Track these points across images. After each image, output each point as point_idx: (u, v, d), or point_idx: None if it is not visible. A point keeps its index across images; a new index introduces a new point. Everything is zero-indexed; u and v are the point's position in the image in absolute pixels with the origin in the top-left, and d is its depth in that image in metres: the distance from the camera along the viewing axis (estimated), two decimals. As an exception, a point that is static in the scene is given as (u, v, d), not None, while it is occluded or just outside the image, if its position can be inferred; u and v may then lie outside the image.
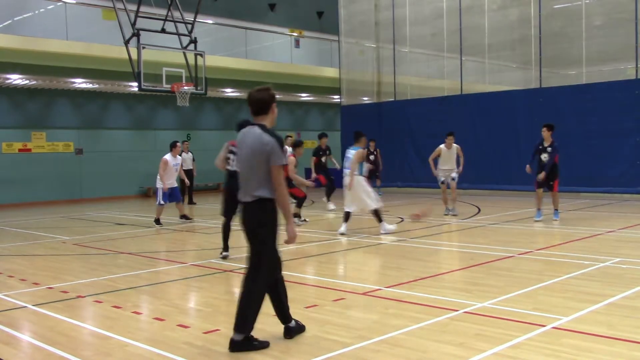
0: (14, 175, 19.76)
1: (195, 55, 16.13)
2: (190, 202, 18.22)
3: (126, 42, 15.16)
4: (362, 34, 23.12)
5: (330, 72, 24.32)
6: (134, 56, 14.91)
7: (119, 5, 15.26)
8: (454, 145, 13.31)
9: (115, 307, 6.22)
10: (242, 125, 8.76)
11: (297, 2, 27.57)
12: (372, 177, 19.82)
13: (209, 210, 16.33)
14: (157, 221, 13.01)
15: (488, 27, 19.51)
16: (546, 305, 5.77)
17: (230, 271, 7.92)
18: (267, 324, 5.39)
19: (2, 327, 5.58)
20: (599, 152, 16.60)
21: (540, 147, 11.93)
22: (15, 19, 18.33)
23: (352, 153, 11.08)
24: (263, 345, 4.76)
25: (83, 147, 21.46)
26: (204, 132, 24.33)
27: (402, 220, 13.01)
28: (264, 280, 4.80)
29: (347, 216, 11.13)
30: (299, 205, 12.63)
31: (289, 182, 12.94)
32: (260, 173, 4.70)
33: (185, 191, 17.48)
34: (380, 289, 6.64)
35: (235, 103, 25.07)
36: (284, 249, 9.85)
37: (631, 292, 6.21)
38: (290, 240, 4.83)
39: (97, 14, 18.83)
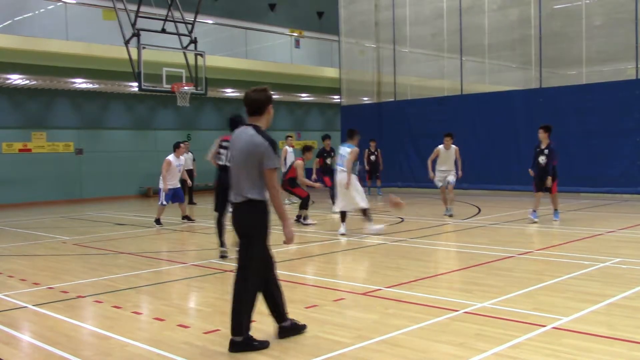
0: (14, 175, 19.76)
1: (196, 55, 16.13)
2: (191, 202, 18.22)
3: (126, 42, 15.16)
4: (362, 34, 23.12)
5: (330, 72, 24.33)
6: (134, 56, 14.90)
7: (119, 5, 15.25)
8: (453, 146, 13.24)
9: (115, 307, 6.22)
10: (233, 120, 8.85)
11: (297, 2, 27.58)
12: (372, 177, 19.88)
13: (209, 210, 16.31)
14: (158, 221, 13.02)
15: (488, 27, 19.51)
16: (546, 305, 5.77)
17: (230, 271, 7.91)
18: (267, 324, 5.39)
19: (2, 327, 5.58)
20: (599, 152, 16.60)
21: (538, 149, 11.80)
22: (15, 19, 18.33)
23: (346, 151, 11.05)
24: (263, 345, 4.76)
25: (83, 147, 21.46)
26: (204, 132, 24.32)
27: (402, 220, 13.02)
28: (254, 281, 4.77)
29: (343, 216, 11.12)
30: (305, 206, 12.60)
31: (293, 182, 12.94)
32: (252, 174, 4.68)
33: (186, 192, 17.48)
34: (380, 289, 6.64)
35: (235, 103, 25.06)
36: (284, 249, 9.86)
37: (631, 292, 6.21)
38: (289, 240, 4.82)
39: (97, 14, 18.82)
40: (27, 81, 19.13)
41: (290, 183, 13.01)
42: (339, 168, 11.11)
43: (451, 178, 13.19)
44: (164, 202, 13.09)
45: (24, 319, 5.99)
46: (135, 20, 15.00)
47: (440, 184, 13.38)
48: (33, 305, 6.36)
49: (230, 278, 7.56)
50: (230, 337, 4.75)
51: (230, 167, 4.90)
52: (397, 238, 10.58)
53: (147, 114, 23.33)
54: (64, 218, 15.63)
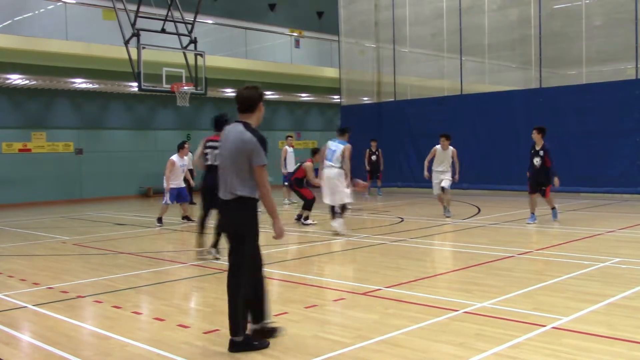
0: (14, 175, 19.76)
1: (195, 55, 16.13)
2: (191, 202, 18.21)
3: (126, 42, 15.16)
4: (362, 34, 23.13)
5: (330, 72, 24.33)
6: (134, 56, 14.90)
7: (119, 5, 15.25)
8: (450, 147, 13.15)
9: (115, 307, 6.22)
10: (217, 120, 8.89)
11: (297, 2, 27.57)
12: (373, 177, 19.88)
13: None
14: (159, 220, 13.04)
15: (488, 27, 19.51)
16: (546, 305, 5.77)
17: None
18: (267, 324, 5.40)
19: (2, 327, 5.58)
20: (599, 152, 16.61)
21: (532, 150, 11.71)
22: (15, 19, 18.33)
23: (338, 147, 11.00)
24: (263, 345, 4.76)
25: (83, 147, 21.46)
26: (204, 132, 24.26)
27: (402, 220, 13.02)
28: (247, 279, 4.75)
29: (334, 211, 11.12)
30: (309, 207, 12.59)
31: (300, 182, 12.95)
32: (241, 171, 4.66)
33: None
34: (380, 289, 6.64)
35: (235, 103, 25.03)
36: (285, 250, 9.85)
37: (631, 292, 6.21)
38: (278, 236, 4.80)
39: (97, 14, 18.82)
40: (27, 81, 19.13)
41: (297, 183, 13.02)
42: (328, 163, 11.02)
43: (445, 183, 13.06)
44: (168, 202, 13.11)
45: (24, 319, 5.99)
46: (135, 20, 15.00)
47: (436, 192, 13.30)
48: (33, 305, 6.36)
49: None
50: (229, 336, 4.75)
51: (220, 164, 4.87)
52: (397, 238, 10.58)
53: (147, 114, 23.33)
54: (64, 218, 15.63)
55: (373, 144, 19.66)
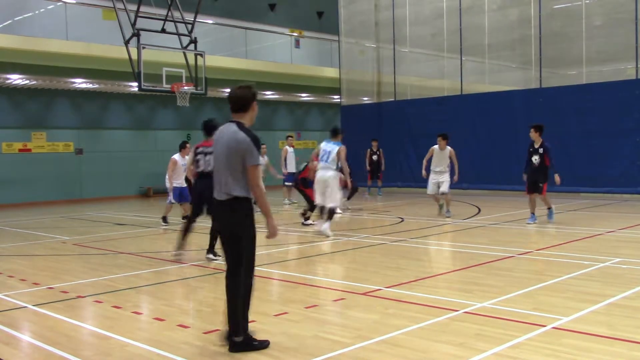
0: (14, 175, 19.76)
1: (195, 55, 16.13)
2: (191, 202, 18.21)
3: (126, 42, 15.16)
4: (362, 34, 23.12)
5: (330, 72, 24.33)
6: (134, 56, 14.90)
7: (119, 5, 15.26)
8: (448, 147, 13.11)
9: (115, 307, 6.22)
10: (207, 125, 8.95)
11: (297, 2, 27.58)
12: (373, 177, 19.89)
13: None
14: (164, 219, 13.07)
15: (488, 27, 19.51)
16: (546, 305, 5.77)
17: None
18: (267, 323, 5.40)
19: (2, 327, 5.58)
20: (599, 152, 16.61)
21: (531, 149, 11.63)
22: (15, 19, 18.33)
23: (334, 148, 10.98)
24: (263, 345, 4.75)
25: (83, 147, 21.46)
26: (204, 132, 24.32)
27: (402, 220, 13.02)
28: (246, 279, 4.74)
29: (322, 212, 11.15)
30: (312, 209, 12.59)
31: (306, 182, 12.96)
32: (236, 171, 4.64)
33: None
34: (380, 289, 6.64)
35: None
36: (285, 249, 9.86)
37: (631, 292, 6.21)
38: (272, 235, 4.79)
39: (97, 14, 18.83)
40: (27, 81, 19.13)
41: (303, 183, 13.05)
42: (322, 164, 10.98)
43: (444, 188, 13.05)
44: (172, 201, 13.14)
45: (24, 319, 5.99)
46: (135, 20, 15.00)
47: (430, 191, 13.27)
48: (33, 305, 6.36)
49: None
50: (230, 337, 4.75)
51: (214, 165, 4.86)
52: (397, 238, 10.58)
53: (147, 114, 23.33)
54: (64, 218, 15.63)
55: (374, 143, 19.66)
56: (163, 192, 13.48)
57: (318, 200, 11.11)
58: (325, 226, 10.78)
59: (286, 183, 17.65)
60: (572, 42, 17.70)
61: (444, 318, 5.42)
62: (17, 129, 20.06)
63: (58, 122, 20.94)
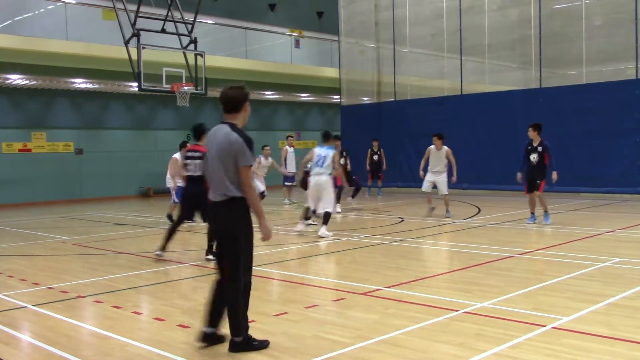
0: (14, 175, 19.76)
1: (195, 55, 16.13)
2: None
3: (126, 42, 15.16)
4: (362, 34, 23.13)
5: (330, 72, 24.33)
6: (134, 56, 14.90)
7: (119, 5, 15.25)
8: (444, 147, 13.07)
9: (115, 307, 6.22)
10: (197, 130, 8.99)
11: (297, 2, 27.58)
12: (374, 177, 19.89)
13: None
14: (169, 217, 13.10)
15: (488, 27, 19.51)
16: (546, 305, 5.77)
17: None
18: (267, 323, 5.40)
19: (2, 327, 5.58)
20: (599, 152, 16.61)
21: (530, 147, 11.54)
22: (15, 19, 18.34)
23: (328, 153, 11.07)
24: (263, 345, 4.76)
25: (83, 147, 21.46)
26: (204, 132, 24.32)
27: (402, 220, 13.02)
28: (243, 279, 4.72)
29: (306, 214, 11.20)
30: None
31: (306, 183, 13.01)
32: (231, 172, 4.63)
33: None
34: (380, 289, 6.64)
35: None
36: (285, 249, 9.86)
37: (631, 292, 6.21)
38: (266, 237, 4.77)
39: (97, 14, 18.83)
40: (27, 81, 19.13)
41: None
42: (317, 170, 11.02)
43: (443, 189, 13.08)
44: (176, 200, 13.17)
45: (24, 319, 5.99)
46: (135, 20, 15.00)
47: (425, 188, 13.25)
48: (33, 305, 6.36)
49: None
50: (229, 337, 4.75)
51: (208, 166, 4.84)
52: (397, 238, 10.58)
53: (147, 114, 23.33)
54: (64, 218, 15.63)
55: (375, 143, 19.65)
56: (163, 192, 13.47)
57: (311, 204, 11.17)
58: (323, 230, 10.81)
59: (286, 183, 17.66)
60: (572, 42, 17.70)
61: (444, 318, 5.43)
62: (17, 129, 20.06)
63: (58, 122, 20.94)
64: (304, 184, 13.45)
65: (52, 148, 20.80)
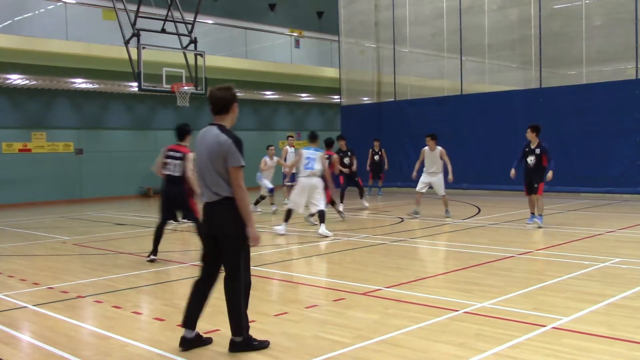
0: (14, 175, 19.76)
1: (195, 55, 16.14)
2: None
3: (126, 42, 15.17)
4: (362, 34, 23.13)
5: (330, 72, 24.33)
6: (134, 56, 14.91)
7: (119, 5, 15.26)
8: (438, 147, 13.03)
9: (115, 307, 6.22)
10: (181, 130, 9.00)
11: (297, 2, 27.58)
12: (375, 177, 19.90)
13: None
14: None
15: (488, 27, 19.52)
16: (546, 305, 5.77)
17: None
18: (267, 323, 5.40)
19: (2, 327, 5.58)
20: (599, 152, 16.61)
21: (527, 149, 11.29)
22: (15, 19, 18.34)
23: (316, 154, 11.17)
24: (263, 345, 4.75)
25: (83, 147, 21.46)
26: (204, 132, 24.31)
27: (402, 220, 13.02)
28: (243, 278, 4.70)
29: (289, 216, 11.27)
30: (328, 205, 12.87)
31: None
32: (222, 173, 4.61)
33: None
34: (380, 289, 6.64)
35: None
36: (286, 249, 9.86)
37: (631, 292, 6.21)
38: (254, 242, 4.68)
39: (97, 14, 18.83)
40: (27, 81, 19.14)
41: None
42: (307, 171, 11.08)
43: (440, 191, 13.06)
44: None
45: (24, 319, 5.99)
46: (135, 20, 15.01)
47: (419, 189, 13.20)
48: (33, 305, 6.36)
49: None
50: (230, 337, 4.75)
51: (198, 169, 4.80)
52: (397, 238, 10.58)
53: (147, 114, 23.33)
54: (64, 218, 15.63)
55: (376, 143, 19.65)
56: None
57: (300, 209, 11.24)
58: (323, 228, 10.87)
59: (286, 183, 17.65)
60: (572, 42, 17.70)
61: (444, 318, 5.43)
62: (17, 129, 20.06)
63: (58, 122, 20.95)
64: None
65: (52, 148, 20.81)
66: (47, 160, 20.55)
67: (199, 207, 11.19)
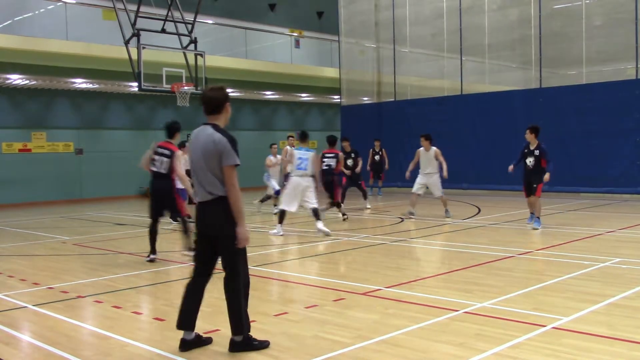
0: (14, 175, 19.76)
1: (195, 55, 16.14)
2: (190, 202, 18.22)
3: (126, 42, 15.17)
4: (362, 34, 23.14)
5: (330, 72, 24.33)
6: (134, 56, 14.91)
7: (119, 5, 15.26)
8: (433, 148, 12.99)
9: (115, 307, 6.22)
10: (170, 127, 9.01)
11: (297, 2, 27.58)
12: (375, 177, 19.90)
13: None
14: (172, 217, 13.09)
15: (488, 27, 19.52)
16: (546, 305, 5.77)
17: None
18: (267, 323, 5.40)
19: (2, 327, 5.58)
20: (599, 152, 16.61)
21: (526, 150, 11.18)
22: (15, 19, 18.34)
23: (308, 155, 11.19)
24: (263, 345, 4.75)
25: (83, 147, 21.46)
26: (204, 132, 24.30)
27: (402, 220, 13.02)
28: (243, 277, 4.71)
29: (282, 217, 11.26)
30: (337, 205, 13.04)
31: (331, 183, 13.21)
32: (215, 171, 4.61)
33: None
34: (380, 289, 6.64)
35: (235, 103, 25.00)
36: (287, 249, 9.86)
37: (631, 292, 6.21)
38: (241, 242, 4.63)
39: (97, 14, 18.84)
40: (27, 81, 19.14)
41: (338, 180, 13.53)
42: (300, 171, 11.12)
43: (437, 192, 13.06)
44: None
45: (24, 319, 5.99)
46: (135, 20, 15.01)
47: (415, 190, 13.18)
48: (33, 305, 6.36)
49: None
50: (230, 336, 4.75)
51: (192, 168, 4.78)
52: (397, 238, 10.58)
53: (147, 114, 23.33)
54: (64, 218, 15.63)
55: (376, 143, 19.65)
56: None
57: (293, 208, 11.23)
58: (320, 225, 10.94)
59: (285, 183, 17.65)
60: (572, 42, 17.71)
61: (444, 318, 5.42)
62: (17, 129, 20.07)
63: (58, 122, 20.95)
64: (332, 182, 13.61)
65: (52, 148, 20.81)
66: (47, 160, 20.55)
67: (186, 205, 11.28)
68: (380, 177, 19.89)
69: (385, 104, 22.17)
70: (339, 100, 24.29)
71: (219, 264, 4.81)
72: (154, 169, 8.84)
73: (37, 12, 18.92)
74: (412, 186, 13.48)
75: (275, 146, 15.97)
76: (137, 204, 19.88)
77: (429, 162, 13.02)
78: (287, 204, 11.21)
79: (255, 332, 4.88)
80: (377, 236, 10.85)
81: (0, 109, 19.76)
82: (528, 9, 18.59)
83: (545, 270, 7.68)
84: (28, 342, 5.20)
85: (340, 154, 13.61)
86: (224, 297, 4.77)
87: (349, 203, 15.91)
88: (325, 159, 13.39)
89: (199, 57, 16.07)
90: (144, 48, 14.77)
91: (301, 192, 11.13)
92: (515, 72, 20.06)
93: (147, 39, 15.25)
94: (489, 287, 6.60)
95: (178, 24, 16.11)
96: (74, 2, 19.13)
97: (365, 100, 23.51)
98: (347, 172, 15.36)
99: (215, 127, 4.71)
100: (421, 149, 13.10)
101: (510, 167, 11.55)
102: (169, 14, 16.02)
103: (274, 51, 24.13)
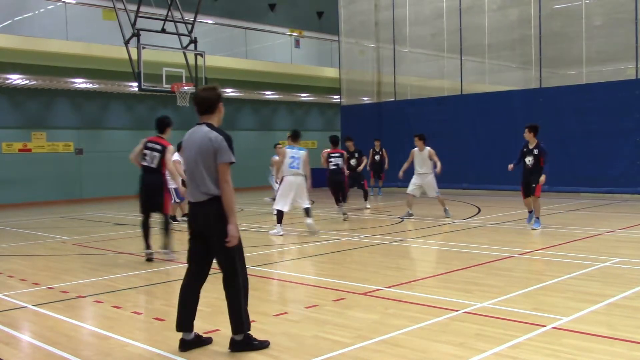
0: (14, 175, 19.76)
1: (195, 55, 16.14)
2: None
3: (126, 42, 15.16)
4: (362, 34, 23.14)
5: (330, 72, 24.33)
6: (134, 56, 14.91)
7: (119, 5, 15.26)
8: (427, 148, 12.98)
9: (115, 307, 6.22)
10: (161, 121, 9.01)
11: (297, 2, 27.58)
12: (375, 177, 19.89)
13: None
14: (174, 218, 13.11)
15: (488, 27, 19.52)
16: (546, 305, 5.77)
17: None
18: (267, 323, 5.40)
19: (2, 327, 5.58)
20: (599, 152, 16.61)
21: (525, 149, 11.11)
22: (15, 19, 18.34)
23: (300, 154, 11.26)
24: (263, 345, 4.76)
25: (83, 147, 21.46)
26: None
27: (402, 220, 13.02)
28: (241, 275, 4.71)
29: (280, 217, 11.29)
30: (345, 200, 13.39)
31: (342, 183, 13.29)
32: (211, 170, 4.61)
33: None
34: (380, 289, 6.64)
35: (235, 103, 25.08)
36: (287, 249, 9.86)
37: (631, 292, 6.21)
38: (231, 240, 4.60)
39: (97, 14, 18.84)
40: (27, 81, 19.14)
41: (342, 181, 13.70)
42: (293, 170, 11.17)
43: (432, 193, 13.02)
44: (177, 200, 13.17)
45: (24, 319, 5.99)
46: (135, 20, 15.00)
47: (410, 191, 13.14)
48: (33, 305, 6.36)
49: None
50: (230, 336, 4.75)
51: (186, 168, 4.79)
52: (397, 238, 10.58)
53: (147, 114, 23.30)
54: (64, 218, 15.63)
55: (377, 143, 19.65)
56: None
57: (286, 207, 11.26)
58: (310, 221, 11.10)
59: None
60: (572, 42, 17.71)
61: (444, 318, 5.42)
62: (17, 129, 20.06)
63: (58, 122, 20.94)
64: (343, 181, 13.69)
65: (52, 148, 20.80)
66: (47, 160, 20.54)
67: (173, 203, 11.26)
68: (380, 177, 19.88)
69: (385, 104, 22.17)
70: (339, 100, 24.29)
71: (215, 265, 4.81)
72: (145, 163, 8.87)
73: (37, 12, 18.92)
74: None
75: (280, 145, 16.02)
76: (137, 204, 19.86)
77: (423, 162, 13.02)
78: (281, 204, 11.24)
79: (255, 332, 4.89)
80: (377, 236, 10.85)
81: (0, 109, 19.75)
82: (528, 9, 18.59)
83: (545, 270, 7.68)
84: (28, 342, 5.20)
85: (345, 153, 13.64)
86: (223, 297, 4.77)
87: (349, 203, 15.91)
88: (332, 159, 13.43)
89: (199, 57, 16.07)
90: (144, 48, 14.77)
91: (294, 191, 11.18)
92: (515, 72, 20.07)
93: (147, 39, 15.25)
94: (489, 287, 6.60)
95: (178, 24, 16.11)
96: (74, 2, 19.13)
97: (365, 100, 23.51)
98: (346, 171, 15.35)
99: (211, 126, 4.72)
100: (415, 149, 13.12)
101: (510, 166, 11.52)
102: (169, 13, 16.02)
103: (274, 51, 24.13)
